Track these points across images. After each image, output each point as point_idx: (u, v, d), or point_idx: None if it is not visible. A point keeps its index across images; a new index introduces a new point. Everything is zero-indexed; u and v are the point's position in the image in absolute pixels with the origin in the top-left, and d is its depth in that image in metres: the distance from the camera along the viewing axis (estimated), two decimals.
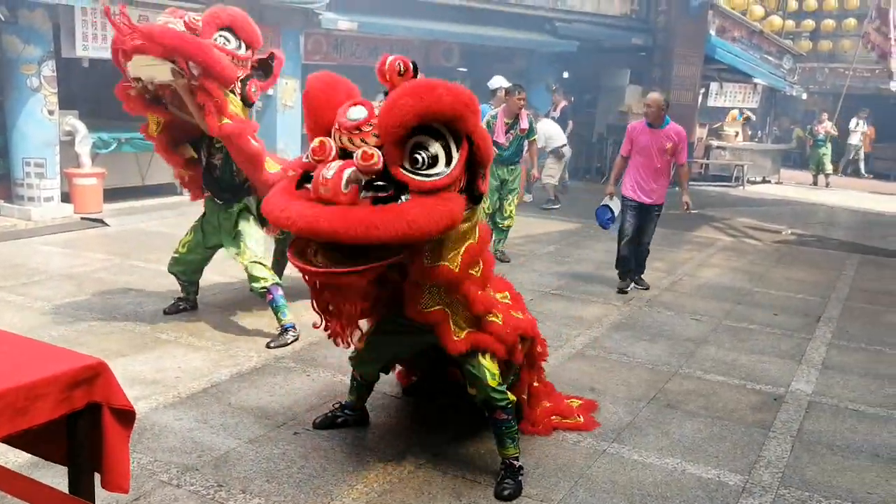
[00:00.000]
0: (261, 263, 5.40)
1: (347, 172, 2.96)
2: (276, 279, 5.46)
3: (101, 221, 9.29)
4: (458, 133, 3.11)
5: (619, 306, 6.80)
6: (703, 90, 18.03)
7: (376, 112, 3.08)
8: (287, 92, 11.91)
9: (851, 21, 24.05)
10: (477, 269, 3.46)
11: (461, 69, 16.55)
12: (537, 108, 15.34)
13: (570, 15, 15.53)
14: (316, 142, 3.11)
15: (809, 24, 25.97)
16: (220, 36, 5.05)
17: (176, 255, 5.77)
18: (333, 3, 11.60)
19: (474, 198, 3.27)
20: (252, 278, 5.37)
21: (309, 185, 3.07)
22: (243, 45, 5.18)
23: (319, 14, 11.44)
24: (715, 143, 18.39)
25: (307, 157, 3.18)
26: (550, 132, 12.50)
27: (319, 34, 12.67)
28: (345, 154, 3.08)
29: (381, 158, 2.97)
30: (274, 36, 11.54)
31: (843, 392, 5.08)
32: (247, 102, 5.25)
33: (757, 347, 5.91)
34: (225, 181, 5.49)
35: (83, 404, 2.23)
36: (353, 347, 3.73)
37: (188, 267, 5.80)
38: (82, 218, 9.37)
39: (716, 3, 18.05)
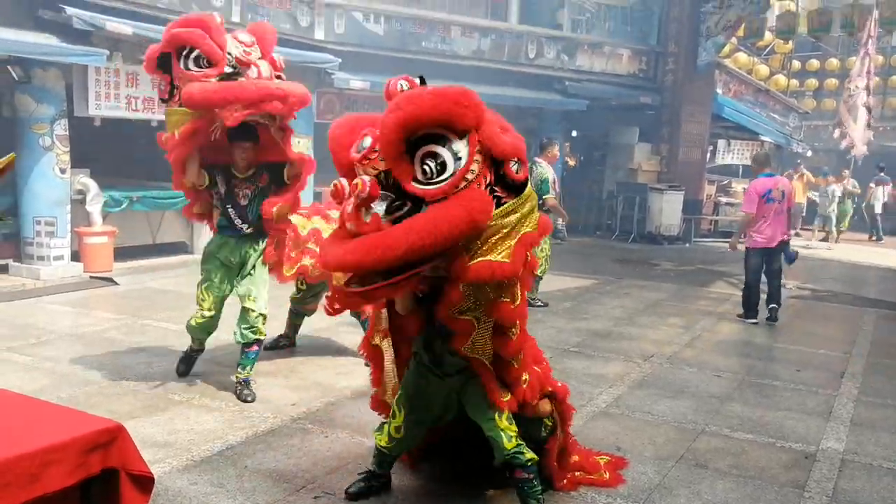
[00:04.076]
0: (264, 316, 5.35)
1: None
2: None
3: (111, 280, 9.21)
4: (464, 132, 3.09)
5: (640, 364, 6.65)
6: (711, 147, 18.13)
7: None
8: (300, 150, 11.93)
9: None
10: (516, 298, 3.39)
11: None
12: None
13: (579, 74, 15.70)
14: (331, 186, 3.17)
15: (813, 83, 26.30)
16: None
17: (202, 321, 5.40)
18: (346, 63, 11.72)
19: (514, 188, 3.20)
20: (253, 328, 5.28)
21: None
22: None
23: (332, 73, 11.56)
24: (724, 199, 18.41)
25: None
26: None
27: (332, 93, 12.78)
28: None
29: (368, 184, 3.02)
30: None
31: (875, 450, 4.90)
32: None
33: (783, 404, 5.74)
34: (255, 212, 5.33)
35: (99, 470, 2.11)
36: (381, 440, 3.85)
37: (213, 327, 5.57)
38: (92, 277, 9.30)
39: (722, 62, 18.29)
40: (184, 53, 4.92)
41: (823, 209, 18.16)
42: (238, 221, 5.29)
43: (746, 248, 8.65)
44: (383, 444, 3.78)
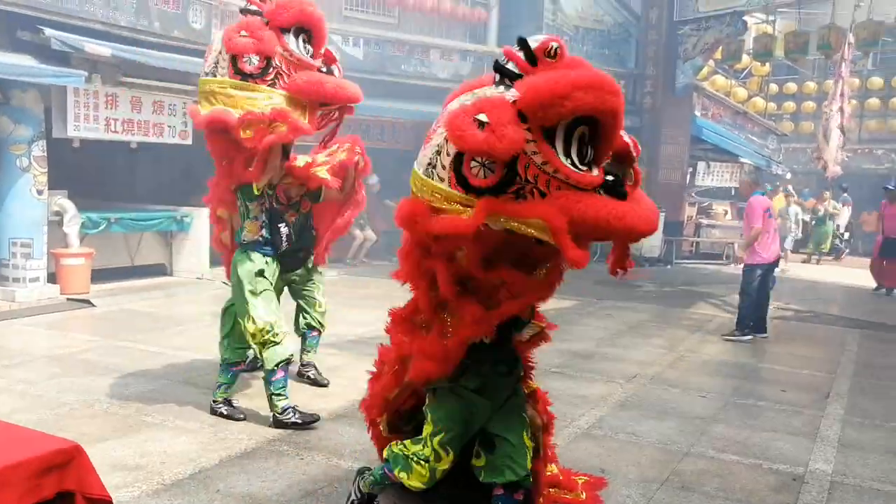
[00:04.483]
0: None
1: None
2: None
3: (88, 302, 9.06)
4: None
5: (622, 384, 6.58)
6: (690, 169, 18.23)
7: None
8: None
9: None
10: None
11: None
12: None
13: None
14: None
15: (790, 106, 26.57)
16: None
17: (285, 338, 5.13)
18: None
19: None
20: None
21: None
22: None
23: None
24: (705, 221, 18.48)
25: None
26: None
27: None
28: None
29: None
30: None
31: (864, 471, 4.83)
32: None
33: (769, 424, 5.68)
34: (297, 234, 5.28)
35: (53, 493, 1.99)
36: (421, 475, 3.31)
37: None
38: (68, 299, 9.15)
39: (700, 85, 18.45)
40: (291, 31, 4.85)
41: (784, 231, 18.06)
42: (288, 242, 5.18)
43: (750, 265, 8.69)
44: (420, 483, 3.29)
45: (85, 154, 10.04)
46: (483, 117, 2.71)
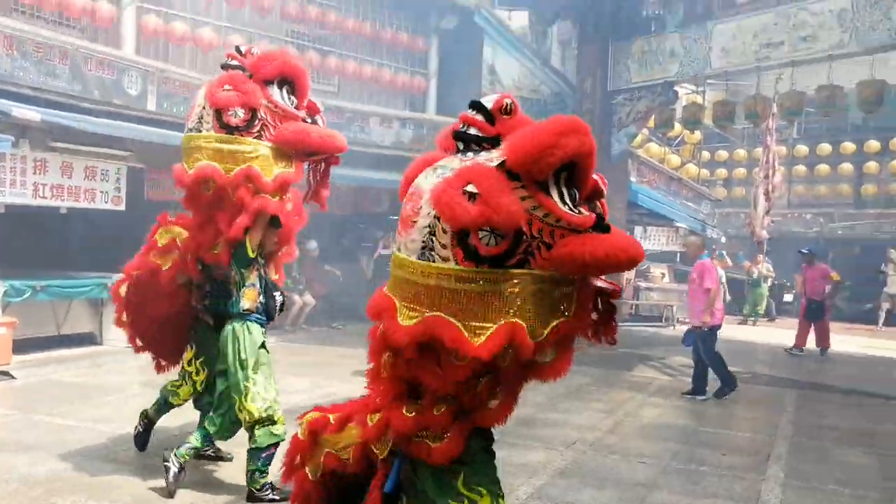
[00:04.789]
0: None
1: None
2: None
3: (7, 374, 8.61)
4: None
5: (562, 451, 6.47)
6: (628, 234, 18.56)
7: None
8: None
9: None
10: None
11: (392, 217, 16.67)
12: None
13: None
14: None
15: (722, 172, 27.52)
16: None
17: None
18: None
19: None
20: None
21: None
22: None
23: None
24: (643, 284, 18.74)
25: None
26: None
27: None
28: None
29: None
30: None
31: None
32: None
33: (710, 490, 5.62)
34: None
35: None
36: None
37: None
38: None
39: (634, 152, 18.93)
40: (275, 83, 4.85)
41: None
42: (280, 310, 5.13)
43: (711, 326, 9.01)
44: None
45: (11, 219, 9.71)
46: (472, 188, 2.67)
